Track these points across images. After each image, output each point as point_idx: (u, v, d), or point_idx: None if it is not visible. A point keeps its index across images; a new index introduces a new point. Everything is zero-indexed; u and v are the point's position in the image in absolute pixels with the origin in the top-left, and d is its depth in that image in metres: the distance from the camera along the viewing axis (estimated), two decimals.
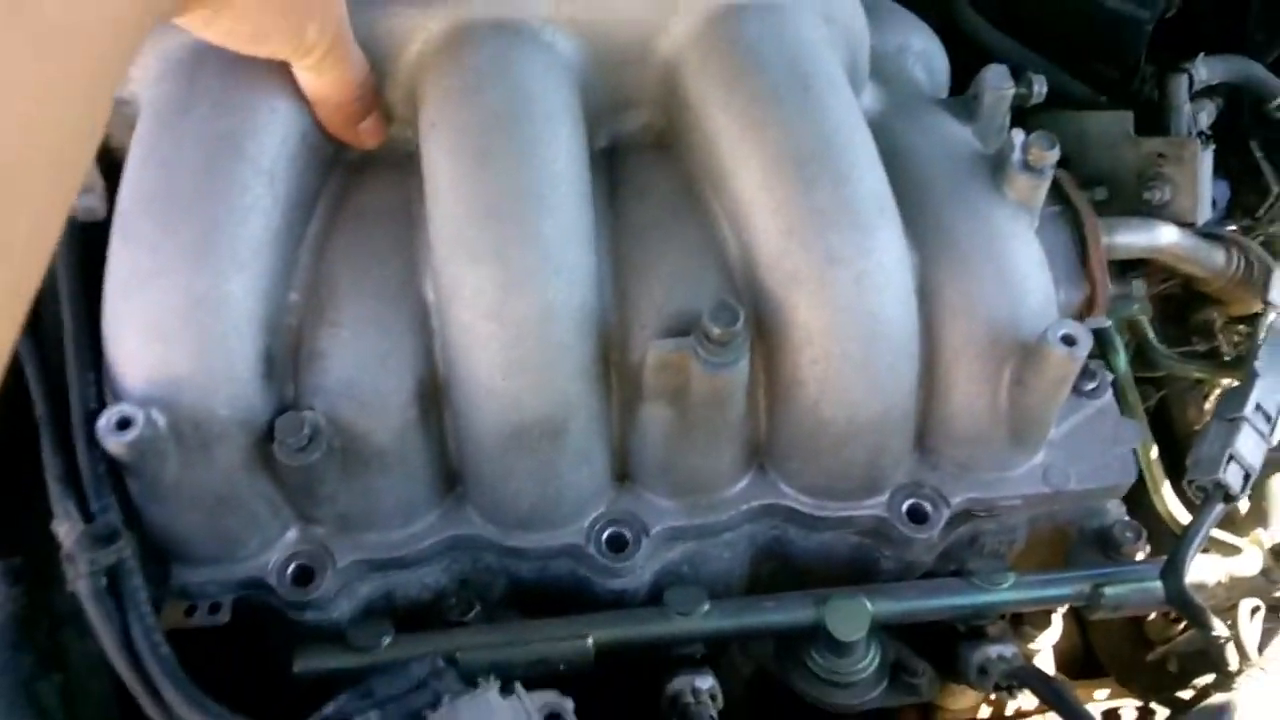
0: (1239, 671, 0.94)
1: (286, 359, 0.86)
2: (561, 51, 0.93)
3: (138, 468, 0.81)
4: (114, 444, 0.78)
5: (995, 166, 0.94)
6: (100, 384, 0.85)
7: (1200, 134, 1.22)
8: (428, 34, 0.92)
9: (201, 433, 0.81)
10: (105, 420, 0.78)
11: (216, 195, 0.84)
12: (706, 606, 0.92)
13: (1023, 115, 1.02)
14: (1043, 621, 1.13)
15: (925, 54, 1.12)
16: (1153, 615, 1.25)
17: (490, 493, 0.91)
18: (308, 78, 0.86)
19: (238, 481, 0.85)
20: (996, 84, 0.99)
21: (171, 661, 0.79)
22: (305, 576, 0.90)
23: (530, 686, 0.79)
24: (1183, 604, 0.95)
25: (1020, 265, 0.92)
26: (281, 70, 0.86)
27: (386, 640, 0.88)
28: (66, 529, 0.80)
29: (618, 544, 0.93)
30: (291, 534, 0.91)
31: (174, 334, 0.81)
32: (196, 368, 0.81)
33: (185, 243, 0.82)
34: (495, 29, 0.91)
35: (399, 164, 0.93)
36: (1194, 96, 1.23)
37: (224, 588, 0.90)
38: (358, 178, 0.95)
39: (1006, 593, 0.97)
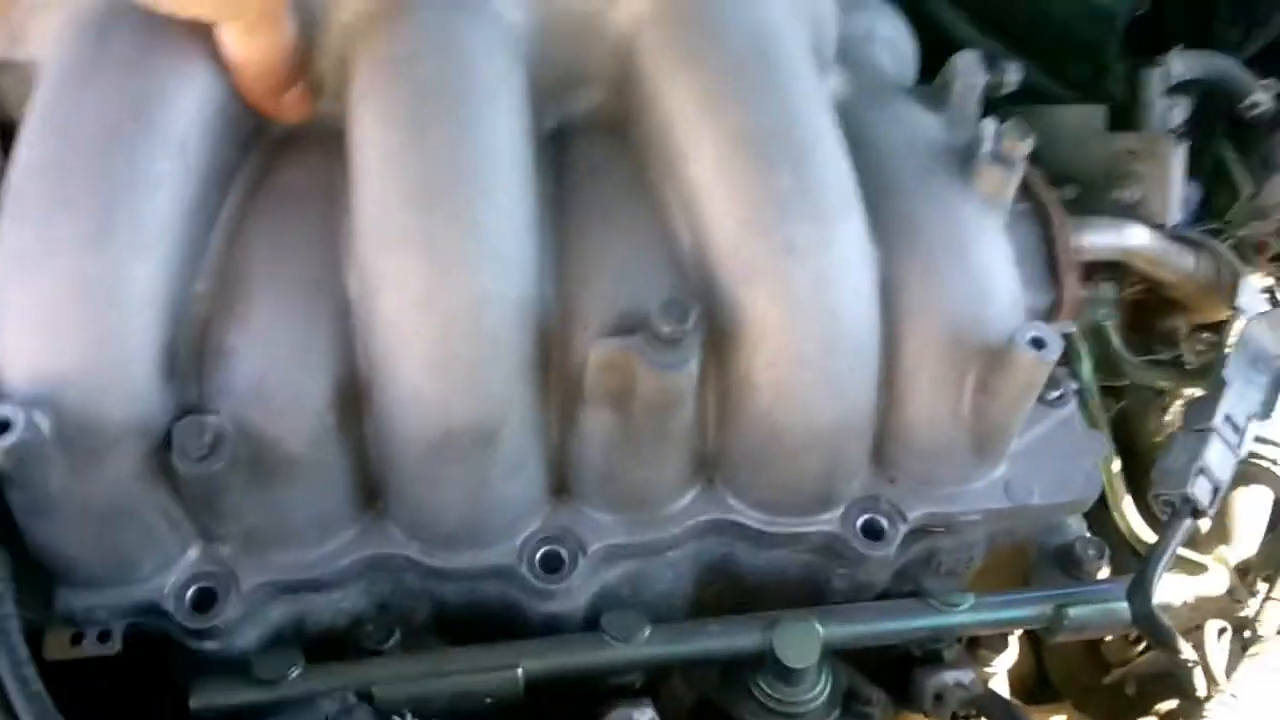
0: (1208, 697, 0.96)
1: (190, 355, 0.83)
2: (509, 21, 0.92)
3: (18, 477, 0.78)
4: None
5: (964, 158, 0.94)
6: None
7: (1173, 131, 1.25)
8: None
9: (92, 438, 0.78)
10: None
11: (119, 167, 0.81)
12: (647, 632, 0.92)
13: (992, 110, 1.04)
14: (999, 644, 1.14)
15: (893, 41, 1.13)
16: (1110, 636, 1.28)
17: (414, 506, 0.90)
18: (237, 39, 0.84)
19: (132, 493, 0.82)
20: (968, 72, 1.00)
21: (42, 702, 0.75)
22: (206, 601, 0.87)
23: None
24: (1151, 626, 0.97)
25: (988, 263, 0.92)
26: (200, 33, 0.83)
27: (294, 671, 0.86)
28: None
29: (552, 563, 0.92)
30: (192, 553, 0.88)
31: (64, 324, 0.78)
32: (88, 363, 0.78)
33: (81, 220, 0.79)
34: None
35: (326, 143, 0.90)
36: (1167, 93, 1.26)
37: (116, 613, 0.87)
38: (280, 156, 0.92)
39: (965, 614, 0.98)
